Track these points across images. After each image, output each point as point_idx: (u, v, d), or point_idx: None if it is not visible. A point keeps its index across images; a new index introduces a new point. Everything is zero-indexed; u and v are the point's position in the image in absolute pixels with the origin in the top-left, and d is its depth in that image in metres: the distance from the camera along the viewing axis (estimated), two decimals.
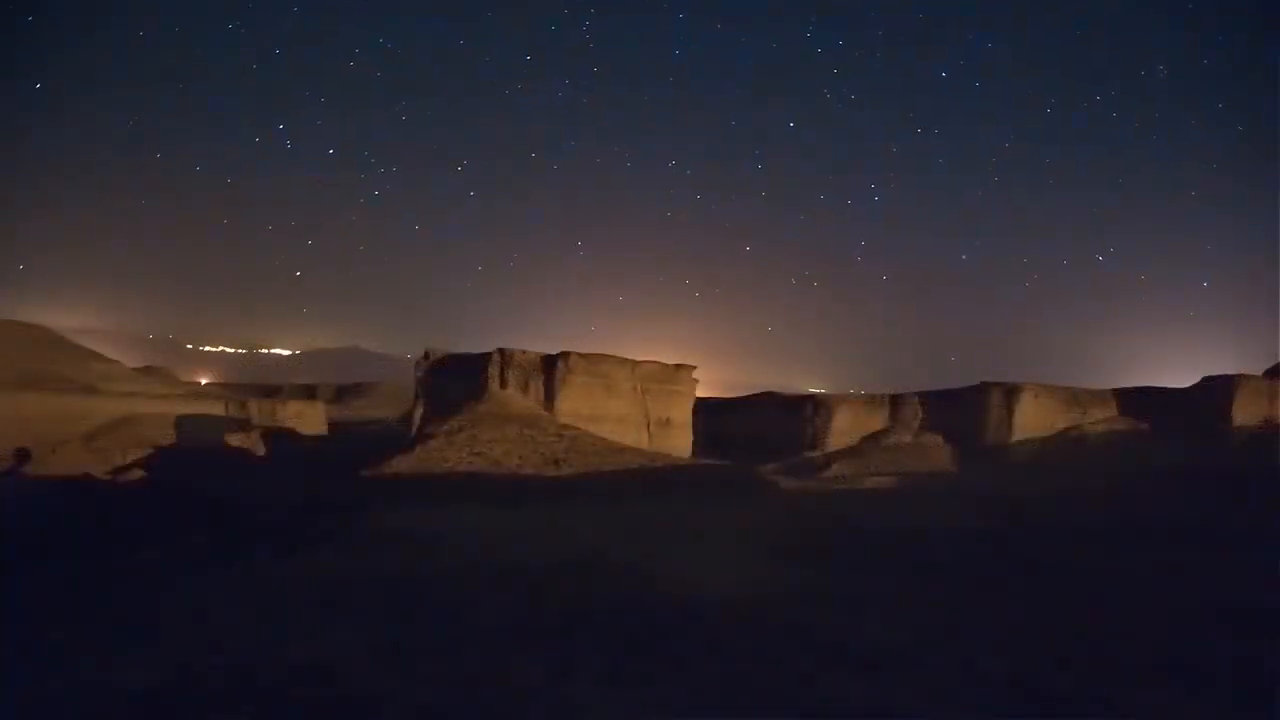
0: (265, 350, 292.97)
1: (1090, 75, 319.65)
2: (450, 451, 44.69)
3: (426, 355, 62.42)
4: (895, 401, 79.90)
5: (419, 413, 61.01)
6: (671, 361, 60.90)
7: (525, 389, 54.55)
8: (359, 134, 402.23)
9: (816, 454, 75.23)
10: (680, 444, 58.57)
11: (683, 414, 60.25)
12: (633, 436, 54.96)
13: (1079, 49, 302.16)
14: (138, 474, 44.03)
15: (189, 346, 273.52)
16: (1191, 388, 69.89)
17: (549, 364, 55.00)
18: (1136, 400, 72.96)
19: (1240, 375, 66.87)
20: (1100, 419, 72.27)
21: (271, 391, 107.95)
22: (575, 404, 54.14)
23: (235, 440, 58.56)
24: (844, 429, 77.83)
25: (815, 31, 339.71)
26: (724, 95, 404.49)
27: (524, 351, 55.71)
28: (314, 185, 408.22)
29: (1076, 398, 73.47)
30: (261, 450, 58.69)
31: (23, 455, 46.72)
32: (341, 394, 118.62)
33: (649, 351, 61.62)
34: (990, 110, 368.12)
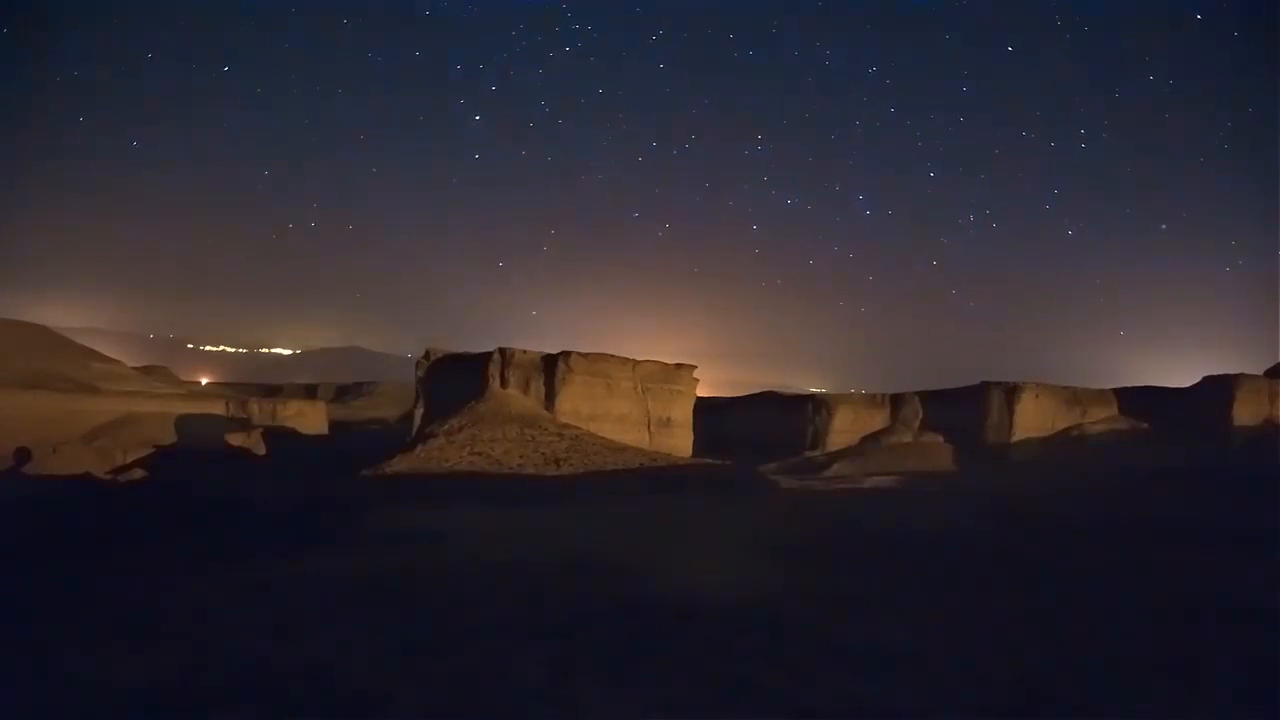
0: (265, 350, 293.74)
1: (1083, 74, 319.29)
2: (450, 451, 44.71)
3: (427, 355, 62.40)
4: (895, 401, 79.91)
5: (419, 412, 61.01)
6: (671, 361, 60.89)
7: (525, 389, 54.55)
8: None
9: (817, 454, 75.26)
10: (681, 444, 58.54)
11: (683, 414, 60.20)
12: (633, 436, 54.93)
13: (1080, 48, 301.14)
14: (138, 474, 44.09)
15: (189, 346, 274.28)
16: (1191, 388, 69.86)
17: (549, 364, 54.99)
18: (1136, 400, 72.92)
19: (1240, 375, 66.81)
20: (1100, 419, 72.24)
21: (272, 391, 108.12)
22: (575, 404, 54.13)
23: (236, 440, 58.58)
24: (844, 429, 77.85)
25: None
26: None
27: (524, 351, 55.70)
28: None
29: (1076, 398, 73.43)
30: (262, 450, 58.72)
31: (23, 455, 46.73)
32: (342, 394, 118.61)
33: (649, 351, 61.57)
34: (984, 106, 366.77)
